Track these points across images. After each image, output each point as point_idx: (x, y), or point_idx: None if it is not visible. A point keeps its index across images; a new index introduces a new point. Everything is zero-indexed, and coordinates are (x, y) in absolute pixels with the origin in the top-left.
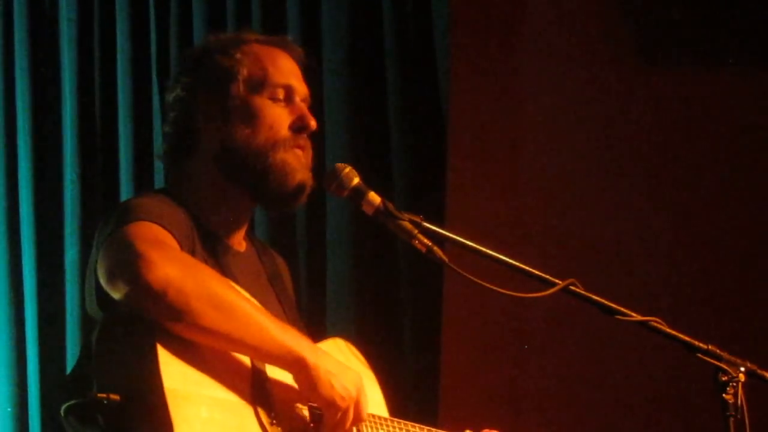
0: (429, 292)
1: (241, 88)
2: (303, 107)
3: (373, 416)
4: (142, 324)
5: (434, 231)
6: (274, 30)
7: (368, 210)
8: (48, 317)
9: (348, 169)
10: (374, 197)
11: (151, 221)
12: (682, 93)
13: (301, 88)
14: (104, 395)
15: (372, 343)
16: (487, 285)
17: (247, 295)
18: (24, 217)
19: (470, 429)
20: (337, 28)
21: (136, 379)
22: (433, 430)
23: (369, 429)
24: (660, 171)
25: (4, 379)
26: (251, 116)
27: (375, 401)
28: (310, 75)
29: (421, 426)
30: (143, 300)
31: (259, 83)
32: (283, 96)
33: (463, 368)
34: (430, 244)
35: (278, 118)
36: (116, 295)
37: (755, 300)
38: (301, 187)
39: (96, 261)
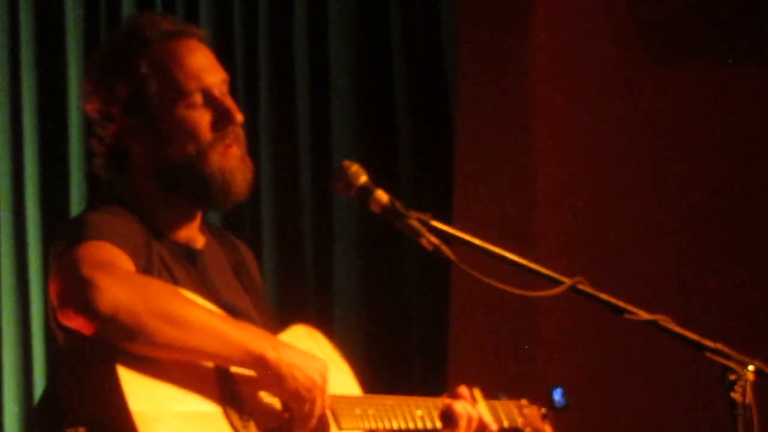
0: (436, 291)
1: (156, 105)
2: (222, 101)
3: (347, 397)
4: (101, 348)
5: (442, 229)
6: (279, 29)
7: (376, 208)
8: None
9: (355, 167)
10: (382, 196)
11: (100, 240)
12: (691, 90)
13: (214, 78)
14: (72, 429)
15: (379, 341)
16: (495, 283)
17: (201, 300)
18: (30, 218)
19: (445, 394)
20: (345, 25)
21: (101, 406)
22: (409, 398)
23: (344, 410)
24: (668, 168)
25: (11, 378)
26: (174, 131)
27: (345, 383)
28: (219, 48)
29: (395, 396)
30: (96, 326)
31: (173, 94)
32: (200, 100)
33: (471, 366)
34: (437, 242)
35: (199, 124)
36: (70, 323)
37: (764, 298)
38: (244, 184)
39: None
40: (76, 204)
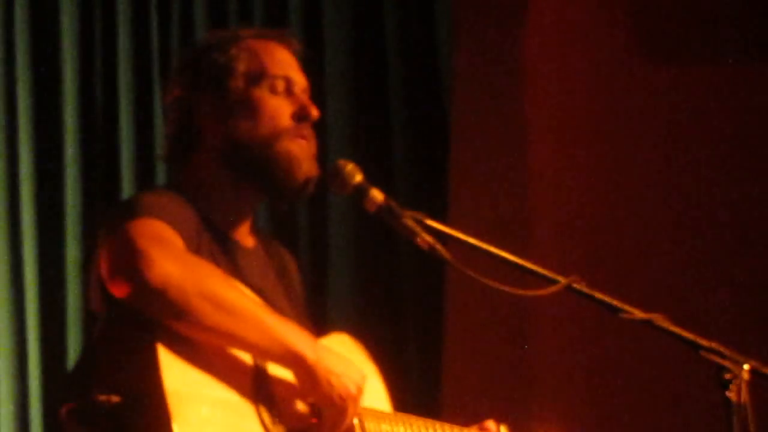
0: (431, 290)
1: (240, 82)
2: (304, 97)
3: (376, 411)
4: (143, 323)
5: (437, 229)
6: (276, 27)
7: (371, 208)
8: (49, 315)
9: (350, 166)
10: (377, 195)
11: (154, 218)
12: (689, 89)
13: (300, 80)
14: (105, 397)
15: (374, 341)
16: (490, 282)
17: (248, 292)
18: (25, 216)
19: (475, 426)
20: (340, 25)
21: (136, 379)
22: (437, 422)
23: (372, 424)
24: (665, 167)
25: (5, 376)
26: (252, 109)
27: (378, 396)
28: (309, 66)
29: (425, 419)
30: (143, 298)
31: (258, 76)
32: (282, 88)
33: (465, 366)
34: (432, 241)
35: (279, 108)
36: (117, 293)
37: (760, 297)
38: (307, 177)
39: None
40: (71, 204)
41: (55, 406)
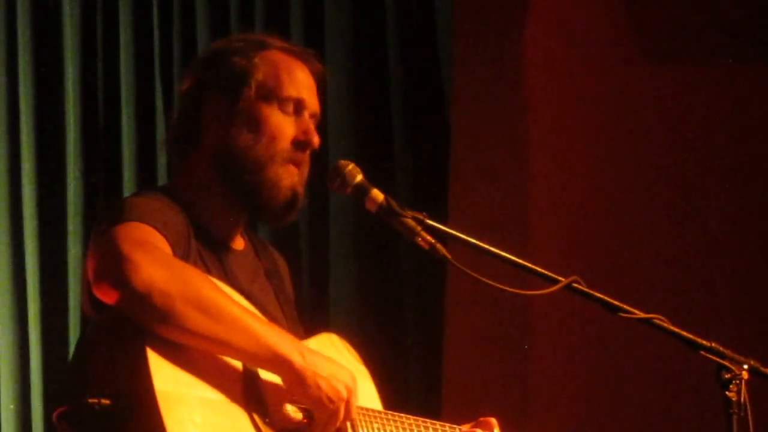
0: (432, 290)
1: (252, 92)
2: (309, 123)
3: (367, 410)
4: (132, 326)
5: (437, 228)
6: (276, 28)
7: (371, 207)
8: (51, 314)
9: (351, 166)
10: (377, 194)
11: (142, 222)
12: (686, 89)
13: (312, 104)
14: (95, 400)
15: (375, 341)
16: (490, 282)
17: (236, 296)
18: (27, 214)
19: (469, 424)
20: (341, 25)
21: (127, 381)
22: (427, 421)
23: (363, 423)
24: (664, 167)
25: (7, 376)
26: (256, 123)
27: (367, 395)
28: (324, 92)
29: (415, 417)
30: (128, 302)
31: (271, 91)
32: (292, 109)
33: (466, 366)
34: (433, 241)
35: (282, 129)
36: (103, 298)
37: (759, 297)
38: (289, 204)
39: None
40: (72, 204)
41: (50, 409)
